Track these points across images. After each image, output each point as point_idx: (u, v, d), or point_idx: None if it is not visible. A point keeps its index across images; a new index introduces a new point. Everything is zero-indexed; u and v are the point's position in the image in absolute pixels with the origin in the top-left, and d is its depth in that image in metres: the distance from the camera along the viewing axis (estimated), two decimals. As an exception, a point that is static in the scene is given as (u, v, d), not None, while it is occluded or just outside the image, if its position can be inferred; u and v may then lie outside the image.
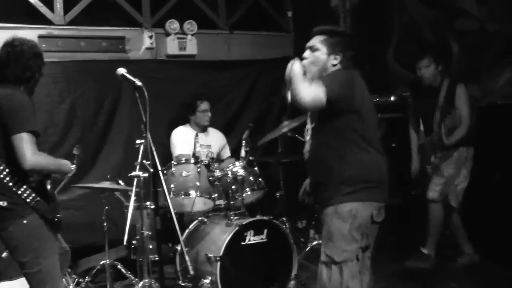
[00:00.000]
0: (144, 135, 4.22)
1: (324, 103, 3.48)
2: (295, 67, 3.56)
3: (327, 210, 3.65)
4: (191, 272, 3.41)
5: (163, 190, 3.81)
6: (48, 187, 3.94)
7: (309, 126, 3.86)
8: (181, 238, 3.42)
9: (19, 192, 3.66)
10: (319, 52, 3.73)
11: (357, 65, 3.83)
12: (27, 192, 3.69)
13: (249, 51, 7.49)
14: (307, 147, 3.83)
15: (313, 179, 3.91)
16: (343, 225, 3.56)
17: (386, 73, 7.65)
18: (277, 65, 7.65)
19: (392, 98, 7.04)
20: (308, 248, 6.24)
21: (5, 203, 3.66)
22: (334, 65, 3.72)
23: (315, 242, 6.22)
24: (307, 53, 3.78)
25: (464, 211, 6.06)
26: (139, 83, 3.73)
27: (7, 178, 3.66)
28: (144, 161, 4.60)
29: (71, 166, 4.28)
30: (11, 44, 3.85)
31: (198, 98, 6.45)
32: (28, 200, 3.67)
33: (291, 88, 3.52)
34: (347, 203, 3.57)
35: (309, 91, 3.48)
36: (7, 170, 3.66)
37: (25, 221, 3.68)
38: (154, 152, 3.71)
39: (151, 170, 3.84)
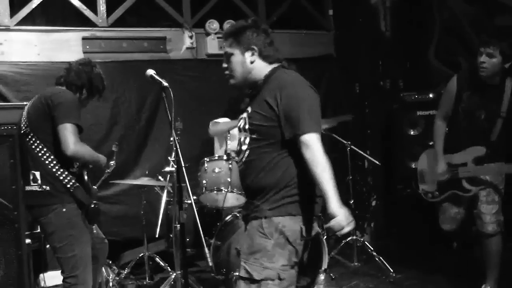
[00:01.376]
0: (178, 132, 4.43)
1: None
2: None
3: (252, 223, 3.36)
4: (210, 264, 3.54)
5: (193, 185, 3.97)
6: (86, 177, 4.39)
7: (242, 135, 3.48)
8: (202, 233, 3.54)
9: (61, 177, 4.11)
10: (233, 56, 3.44)
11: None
12: (68, 178, 4.14)
13: (289, 49, 7.48)
14: (241, 155, 3.45)
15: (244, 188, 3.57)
16: (266, 241, 3.25)
17: (426, 70, 7.64)
18: (317, 63, 7.79)
19: (431, 95, 7.02)
20: (343, 243, 6.32)
21: (48, 188, 4.11)
22: (252, 62, 3.42)
23: (349, 238, 6.32)
24: (224, 64, 3.51)
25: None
26: (165, 83, 3.85)
27: (52, 164, 4.11)
28: (168, 157, 4.75)
29: (110, 162, 4.77)
30: (81, 59, 4.60)
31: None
32: (68, 186, 4.11)
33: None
34: (273, 218, 3.26)
35: (324, 157, 3.13)
36: (52, 156, 4.12)
37: (64, 209, 4.11)
38: (179, 149, 3.85)
39: (175, 166, 4.01)
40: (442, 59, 7.50)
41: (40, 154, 4.11)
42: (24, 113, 4.28)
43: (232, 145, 5.72)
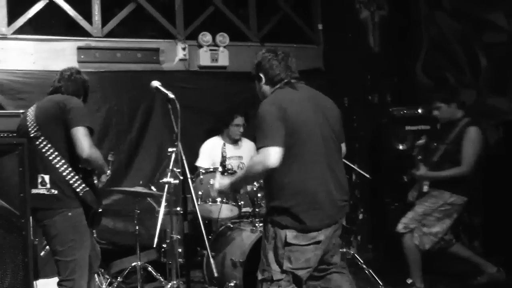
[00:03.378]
0: (175, 143, 4.47)
1: (278, 153, 3.45)
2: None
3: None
4: (215, 274, 3.59)
5: (192, 196, 4.01)
6: (95, 181, 4.42)
7: None
8: (207, 243, 3.58)
9: (71, 181, 4.11)
10: (256, 81, 3.90)
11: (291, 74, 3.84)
12: (78, 182, 4.13)
13: (280, 62, 7.54)
14: None
15: None
16: (266, 245, 3.61)
17: (414, 86, 7.76)
18: (306, 77, 7.81)
19: (419, 111, 7.10)
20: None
21: (56, 191, 4.10)
22: (265, 85, 3.85)
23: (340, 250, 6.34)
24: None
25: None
26: (171, 95, 3.90)
27: (63, 168, 4.11)
28: (174, 168, 4.78)
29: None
30: (70, 68, 4.54)
31: (235, 112, 6.58)
32: (78, 190, 4.11)
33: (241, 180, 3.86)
34: (269, 224, 3.62)
35: (254, 160, 3.58)
36: (63, 161, 4.11)
37: (70, 214, 4.11)
38: (184, 161, 3.90)
39: (181, 177, 4.04)
40: (429, 74, 7.62)
41: (51, 158, 4.11)
42: (31, 117, 4.28)
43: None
